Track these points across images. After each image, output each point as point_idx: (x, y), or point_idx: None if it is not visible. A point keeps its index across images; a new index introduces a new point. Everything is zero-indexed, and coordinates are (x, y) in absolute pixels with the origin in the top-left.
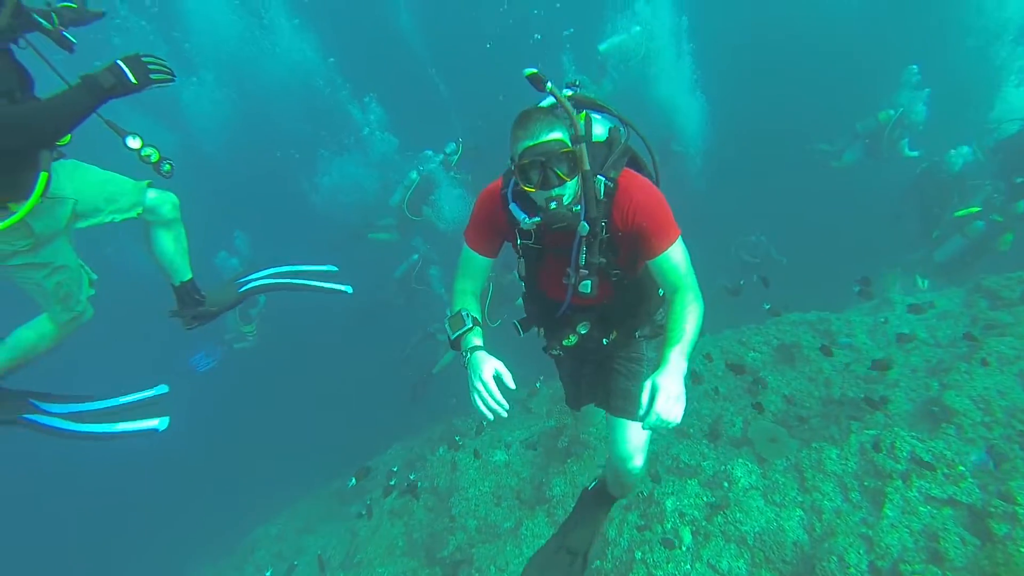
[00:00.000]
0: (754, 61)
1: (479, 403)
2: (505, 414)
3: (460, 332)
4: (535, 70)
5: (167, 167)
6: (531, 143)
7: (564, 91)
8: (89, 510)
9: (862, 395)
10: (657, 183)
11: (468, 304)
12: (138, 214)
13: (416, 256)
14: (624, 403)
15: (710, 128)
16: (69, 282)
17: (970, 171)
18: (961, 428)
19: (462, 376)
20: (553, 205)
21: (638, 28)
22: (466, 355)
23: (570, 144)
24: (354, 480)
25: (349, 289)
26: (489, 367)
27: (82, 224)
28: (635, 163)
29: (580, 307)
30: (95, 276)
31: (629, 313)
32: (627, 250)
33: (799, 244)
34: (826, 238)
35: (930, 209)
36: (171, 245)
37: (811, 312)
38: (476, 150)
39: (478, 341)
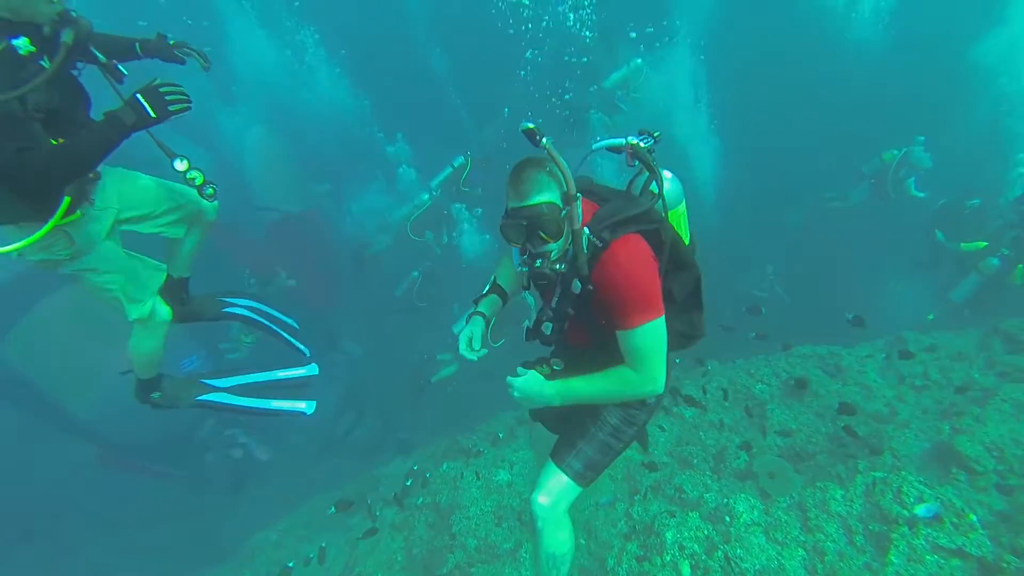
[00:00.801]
0: (770, 109)
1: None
2: (481, 355)
3: (480, 296)
4: (532, 125)
5: (210, 190)
6: (517, 205)
7: (630, 138)
8: (81, 511)
9: (869, 432)
10: (662, 260)
11: (500, 275)
12: (182, 234)
13: (416, 273)
14: (562, 450)
15: (724, 168)
16: (121, 283)
17: (989, 209)
18: (973, 475)
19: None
20: (539, 263)
21: (639, 60)
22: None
23: (560, 204)
24: (334, 509)
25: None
26: (467, 331)
27: (126, 227)
28: (657, 236)
29: (562, 344)
30: (163, 266)
31: (596, 370)
32: (601, 311)
33: (812, 282)
34: (840, 278)
35: (945, 243)
36: (191, 244)
37: (822, 346)
38: (486, 162)
39: (483, 308)
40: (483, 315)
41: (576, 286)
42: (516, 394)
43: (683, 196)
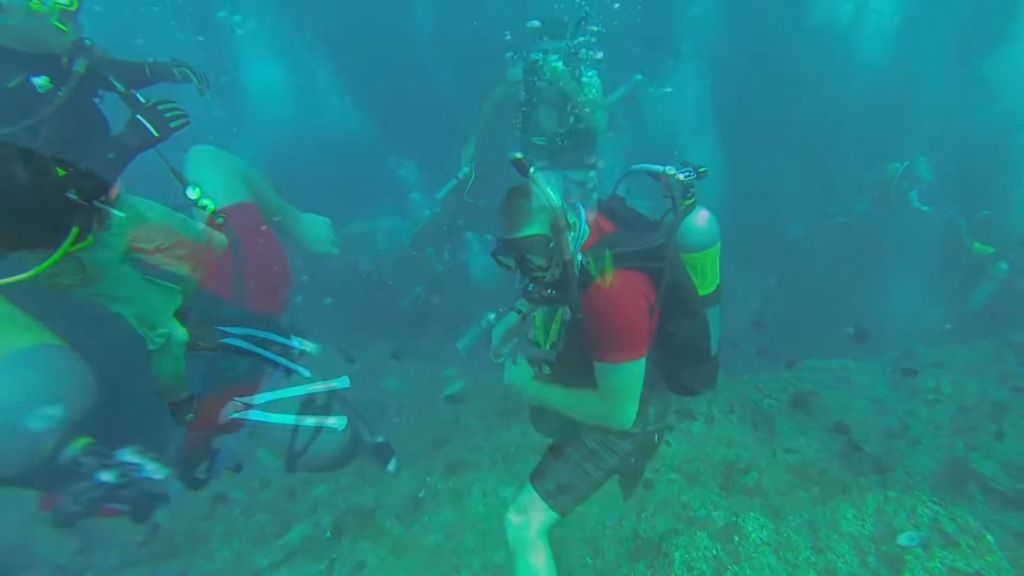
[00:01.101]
0: (771, 119)
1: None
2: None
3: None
4: (520, 155)
5: (221, 219)
6: (508, 237)
7: (668, 168)
8: (43, 566)
9: (880, 450)
10: (658, 301)
11: None
12: (187, 272)
13: (419, 289)
14: (538, 473)
15: (727, 179)
16: (135, 309)
17: (1000, 221)
18: (989, 494)
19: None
20: (531, 288)
21: (639, 76)
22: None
23: (549, 235)
24: (329, 533)
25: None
26: (500, 326)
27: (136, 256)
28: (658, 273)
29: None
30: (179, 288)
31: (576, 384)
32: (585, 336)
33: (817, 295)
34: (846, 290)
35: (965, 235)
36: (195, 280)
37: (832, 359)
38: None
39: (521, 304)
40: (520, 311)
41: (566, 312)
42: (507, 380)
43: (717, 238)
